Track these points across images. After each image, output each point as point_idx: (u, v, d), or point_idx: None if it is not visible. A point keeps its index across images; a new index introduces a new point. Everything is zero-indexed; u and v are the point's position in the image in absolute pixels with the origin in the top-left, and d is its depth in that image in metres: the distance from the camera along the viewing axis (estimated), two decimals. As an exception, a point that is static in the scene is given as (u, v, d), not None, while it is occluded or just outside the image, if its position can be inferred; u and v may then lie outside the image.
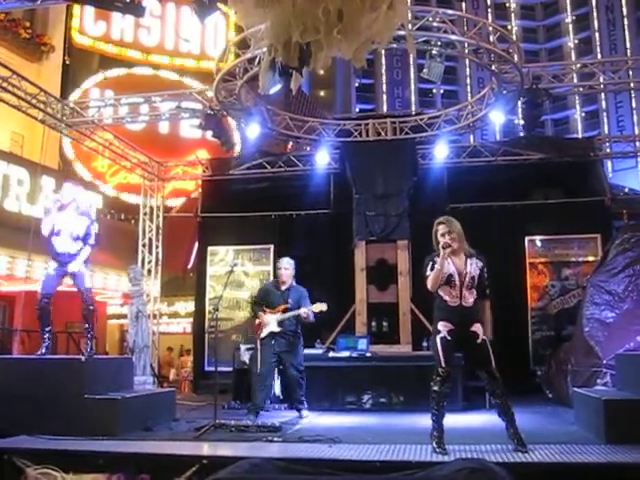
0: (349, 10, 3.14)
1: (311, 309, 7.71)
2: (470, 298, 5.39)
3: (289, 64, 3.53)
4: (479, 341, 5.36)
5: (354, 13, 3.15)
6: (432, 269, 5.39)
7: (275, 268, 8.21)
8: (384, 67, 46.99)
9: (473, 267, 5.43)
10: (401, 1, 3.31)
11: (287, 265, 7.95)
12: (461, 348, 5.49)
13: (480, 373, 5.41)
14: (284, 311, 7.77)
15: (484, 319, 5.52)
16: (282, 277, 7.94)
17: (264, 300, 7.97)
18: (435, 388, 5.37)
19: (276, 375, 9.57)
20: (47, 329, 7.22)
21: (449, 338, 5.34)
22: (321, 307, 7.76)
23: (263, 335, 7.84)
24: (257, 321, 7.99)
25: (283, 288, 7.92)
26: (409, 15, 7.99)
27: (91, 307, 7.34)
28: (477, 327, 5.39)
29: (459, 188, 11.72)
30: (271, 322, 7.76)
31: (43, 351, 7.11)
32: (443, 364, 5.35)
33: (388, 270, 10.79)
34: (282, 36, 3.31)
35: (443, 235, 5.42)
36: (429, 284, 5.41)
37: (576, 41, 48.83)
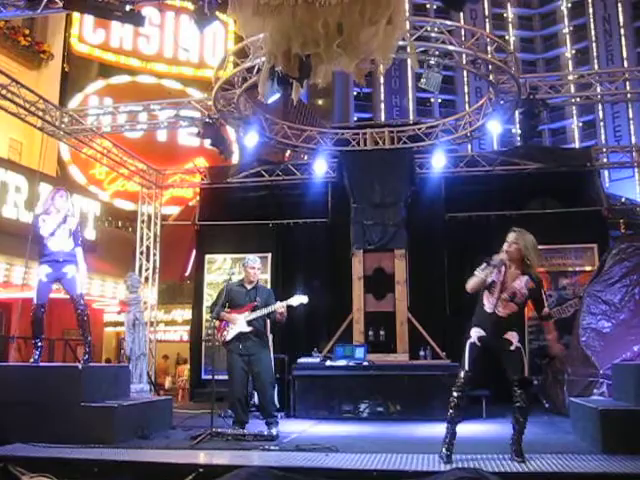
0: (349, 24, 3.17)
1: (288, 303, 7.20)
2: (506, 310, 5.38)
3: (289, 74, 3.56)
4: (512, 348, 5.35)
5: (354, 27, 3.18)
6: (483, 269, 5.39)
7: (243, 266, 7.61)
8: (382, 76, 47.12)
9: (518, 283, 5.39)
10: (399, 14, 3.34)
11: (259, 265, 7.53)
12: (493, 354, 5.41)
13: (511, 380, 5.35)
14: (252, 309, 7.21)
15: (548, 339, 5.59)
16: (252, 276, 7.41)
17: (228, 300, 7.37)
18: (454, 392, 5.39)
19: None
20: (39, 338, 7.16)
21: (478, 344, 5.38)
22: (301, 299, 7.27)
23: (230, 337, 7.23)
24: (218, 323, 7.40)
25: (249, 287, 7.40)
26: (407, 26, 8.03)
27: (85, 313, 7.26)
28: (510, 335, 5.38)
29: (457, 197, 11.75)
30: (239, 322, 7.20)
31: (36, 358, 7.07)
32: (467, 366, 5.38)
33: (385, 279, 10.79)
34: (281, 45, 3.34)
35: (507, 242, 5.45)
36: (467, 285, 5.43)
37: (573, 51, 49.06)
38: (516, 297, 5.37)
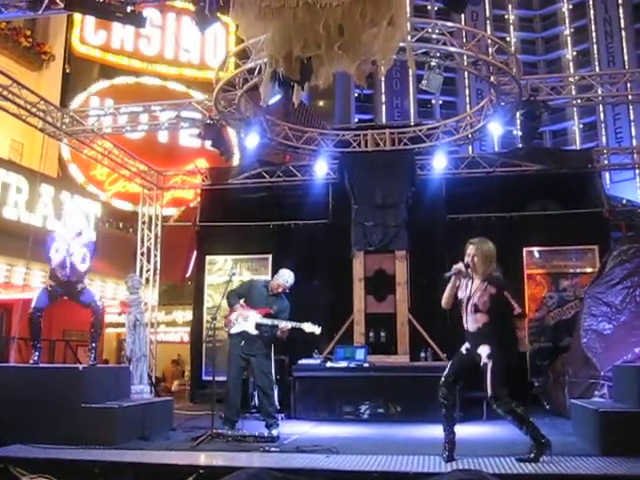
0: (349, 25, 3.17)
1: (300, 326, 7.22)
2: (474, 324, 5.39)
3: (290, 77, 3.56)
4: (481, 363, 5.34)
5: (355, 28, 3.18)
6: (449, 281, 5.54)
7: (276, 275, 7.62)
8: (383, 78, 47.11)
9: (480, 293, 5.38)
10: (400, 16, 3.34)
11: (285, 283, 7.44)
12: (472, 367, 5.49)
13: None
14: (265, 315, 7.26)
15: (500, 341, 5.33)
16: (280, 288, 7.46)
17: (247, 294, 7.45)
18: (439, 394, 5.51)
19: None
20: (37, 341, 7.25)
21: (464, 352, 5.50)
22: (313, 329, 7.24)
23: (234, 331, 7.30)
24: (229, 311, 7.44)
25: (272, 292, 7.47)
26: (408, 27, 8.03)
27: (102, 320, 7.42)
28: (482, 349, 5.34)
29: (457, 199, 11.75)
30: (249, 320, 7.24)
31: (35, 359, 7.14)
32: (446, 370, 5.54)
33: (386, 280, 10.79)
34: (283, 49, 3.34)
35: (468, 256, 5.47)
36: (442, 302, 5.58)
37: (574, 53, 49.08)
38: (479, 308, 5.36)
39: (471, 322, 5.40)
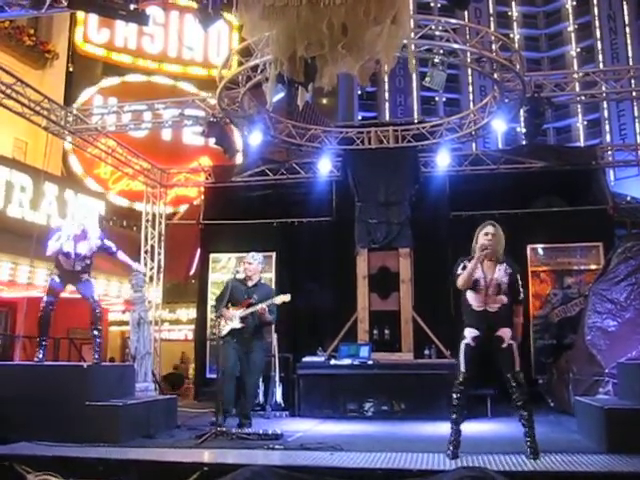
0: (353, 24, 3.16)
1: (273, 302, 7.36)
2: (495, 304, 5.42)
3: (294, 78, 3.55)
4: (504, 345, 5.39)
5: (358, 27, 3.17)
6: (463, 269, 5.48)
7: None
8: (387, 75, 47.03)
9: (501, 274, 5.46)
10: (404, 14, 3.34)
11: (251, 260, 7.61)
12: (486, 353, 5.47)
13: (505, 378, 5.38)
14: (247, 306, 7.38)
15: (516, 322, 5.55)
16: (247, 272, 7.55)
17: (229, 296, 7.46)
18: (454, 394, 5.43)
19: (277, 382, 9.60)
20: (45, 337, 7.30)
21: (473, 345, 5.43)
22: (283, 298, 7.45)
23: (224, 332, 7.37)
24: (217, 319, 7.51)
25: (249, 284, 7.57)
26: (412, 25, 8.00)
27: (99, 314, 7.45)
28: (503, 332, 5.42)
29: (461, 196, 11.73)
30: (234, 318, 7.38)
31: (40, 357, 7.19)
32: (463, 369, 5.44)
33: (390, 278, 10.78)
34: (287, 49, 3.34)
35: (486, 234, 5.48)
36: (459, 282, 5.49)
37: (578, 50, 48.90)
38: (500, 288, 5.43)
39: (492, 302, 5.41)
